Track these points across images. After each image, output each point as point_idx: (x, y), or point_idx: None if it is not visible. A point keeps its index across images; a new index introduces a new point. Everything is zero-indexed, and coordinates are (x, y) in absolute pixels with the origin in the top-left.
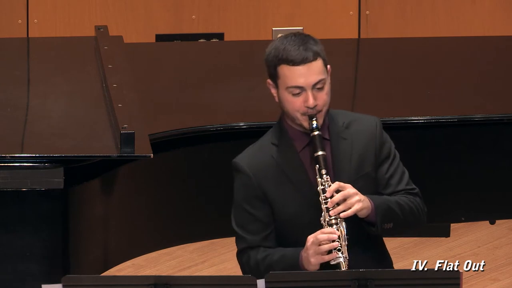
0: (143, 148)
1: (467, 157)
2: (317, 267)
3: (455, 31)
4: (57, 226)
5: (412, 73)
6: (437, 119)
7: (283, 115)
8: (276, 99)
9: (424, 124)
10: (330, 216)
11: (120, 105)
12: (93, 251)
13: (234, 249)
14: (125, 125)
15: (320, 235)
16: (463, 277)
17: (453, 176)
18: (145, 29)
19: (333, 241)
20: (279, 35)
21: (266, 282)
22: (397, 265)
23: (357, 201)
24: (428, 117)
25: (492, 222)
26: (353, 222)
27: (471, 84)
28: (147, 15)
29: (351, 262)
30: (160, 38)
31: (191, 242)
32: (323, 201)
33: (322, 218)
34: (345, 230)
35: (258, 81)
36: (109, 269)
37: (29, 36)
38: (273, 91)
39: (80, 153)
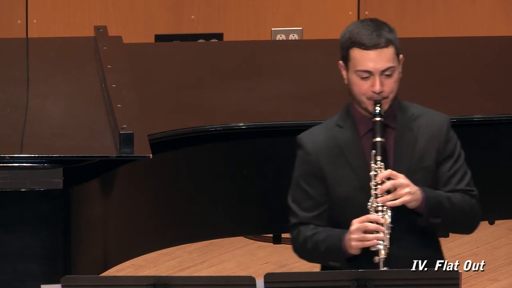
0: (142, 149)
1: (466, 157)
2: (358, 251)
3: (455, 32)
4: (57, 226)
5: (411, 73)
6: None
7: (351, 98)
8: (345, 81)
9: None
10: (377, 203)
11: (119, 105)
12: (92, 251)
13: (233, 249)
14: (124, 126)
15: (368, 224)
16: (463, 277)
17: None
18: (144, 30)
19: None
20: (279, 35)
21: (265, 282)
22: None
23: (406, 193)
24: None
25: (492, 222)
26: (402, 211)
27: (471, 85)
28: (147, 15)
29: (392, 251)
30: (159, 38)
31: (191, 243)
32: (373, 187)
33: (369, 203)
34: (390, 219)
35: (257, 81)
36: (108, 269)
37: (29, 36)
38: (343, 72)
39: (79, 153)
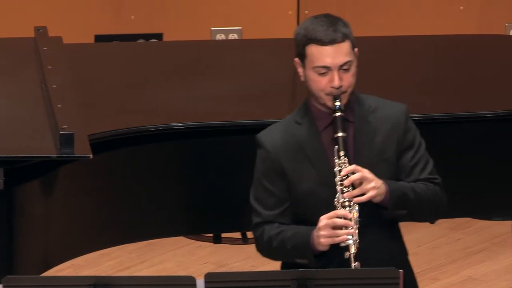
0: (82, 149)
1: None
2: (327, 247)
3: (394, 31)
4: None
5: None
6: None
7: (309, 94)
8: (302, 78)
9: None
10: (344, 198)
11: (59, 105)
12: (34, 252)
13: (172, 249)
14: (65, 126)
15: (336, 219)
16: (403, 277)
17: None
18: (84, 30)
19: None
20: (218, 35)
21: (205, 282)
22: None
23: (372, 188)
24: None
25: (432, 222)
26: (367, 205)
27: (410, 84)
28: (86, 15)
29: (362, 244)
30: (99, 38)
31: (130, 243)
32: (339, 182)
33: (336, 199)
34: (357, 213)
35: (197, 81)
36: (49, 269)
37: None
38: (300, 70)
39: (19, 154)
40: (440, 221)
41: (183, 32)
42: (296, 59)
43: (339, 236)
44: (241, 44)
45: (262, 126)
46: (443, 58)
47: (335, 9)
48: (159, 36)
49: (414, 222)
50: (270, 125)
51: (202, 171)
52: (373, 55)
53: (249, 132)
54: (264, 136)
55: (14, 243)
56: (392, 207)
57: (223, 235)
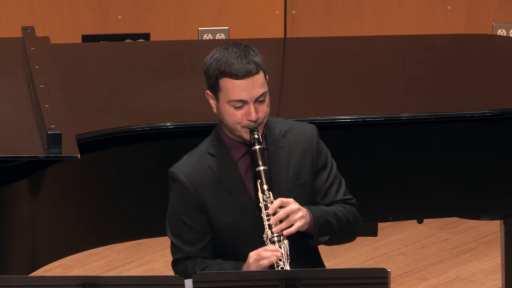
0: (70, 149)
1: (394, 156)
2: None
3: (382, 30)
4: None
5: (339, 72)
6: (363, 118)
7: (220, 124)
8: (215, 110)
9: (351, 123)
10: (272, 234)
11: (47, 105)
12: (21, 252)
13: (161, 249)
14: (52, 126)
15: (264, 253)
16: (391, 276)
17: (380, 175)
18: (71, 30)
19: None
20: (205, 35)
21: (193, 282)
22: (326, 264)
23: (299, 218)
24: (355, 116)
25: (420, 221)
26: (294, 236)
27: (398, 84)
28: (73, 15)
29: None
30: (86, 38)
31: (119, 243)
32: (266, 218)
33: (264, 235)
34: (287, 247)
35: (184, 81)
36: (37, 269)
37: None
38: (212, 102)
39: (7, 154)
40: (428, 220)
41: (171, 32)
42: (208, 91)
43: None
44: None
45: None
46: (430, 58)
47: (321, 9)
48: (146, 36)
49: (401, 222)
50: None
51: None
52: (360, 55)
53: None
54: (179, 170)
55: (2, 243)
56: (317, 234)
57: None
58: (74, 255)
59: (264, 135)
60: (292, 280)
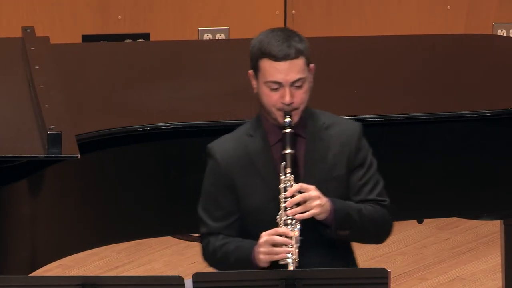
0: (70, 149)
1: (394, 156)
2: (267, 264)
3: (382, 30)
4: None
5: (338, 72)
6: (363, 118)
7: (261, 108)
8: (255, 91)
9: None
10: (287, 216)
11: (47, 105)
12: (21, 252)
13: (161, 249)
14: (52, 126)
15: (276, 237)
16: (391, 276)
17: (380, 175)
18: (71, 30)
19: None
20: (205, 35)
21: (193, 282)
22: None
23: (316, 205)
24: (354, 116)
25: (420, 221)
26: (310, 223)
27: (398, 83)
28: (73, 15)
29: (302, 263)
30: (86, 38)
31: (119, 242)
32: (283, 200)
33: (278, 216)
34: (299, 232)
35: (184, 81)
36: (37, 269)
37: None
38: (253, 82)
39: (7, 154)
40: (428, 220)
41: (171, 32)
42: (250, 72)
43: (278, 254)
44: (228, 44)
45: None
46: (430, 57)
47: (322, 9)
48: (146, 36)
49: (401, 222)
50: None
51: (189, 171)
52: (360, 55)
53: None
54: (215, 147)
55: (2, 243)
56: (335, 226)
57: None
58: (74, 255)
59: (305, 125)
60: (292, 280)
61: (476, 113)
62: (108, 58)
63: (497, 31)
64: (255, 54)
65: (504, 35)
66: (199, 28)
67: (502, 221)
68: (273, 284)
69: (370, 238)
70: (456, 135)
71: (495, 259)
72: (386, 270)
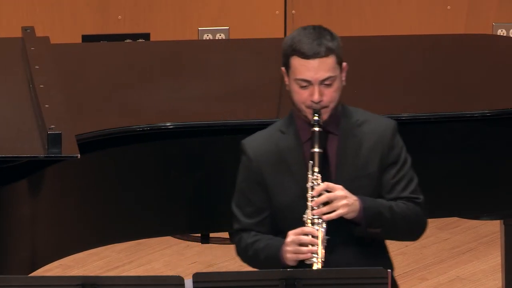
0: (70, 149)
1: None
2: (295, 263)
3: (382, 30)
4: None
5: None
6: None
7: (293, 105)
8: (287, 88)
9: None
10: (313, 215)
11: (47, 105)
12: (21, 252)
13: (161, 249)
14: (52, 126)
15: (302, 236)
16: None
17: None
18: (71, 30)
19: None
20: (205, 35)
21: (193, 282)
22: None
23: (343, 205)
24: None
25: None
26: (339, 222)
27: (398, 83)
28: (73, 15)
29: (330, 262)
30: (86, 38)
31: (119, 242)
32: (310, 198)
33: (305, 215)
34: (324, 232)
35: (184, 81)
36: (37, 269)
37: None
38: (286, 79)
39: (7, 154)
40: (428, 220)
41: (170, 32)
42: (283, 68)
43: (303, 253)
44: (228, 44)
45: (249, 126)
46: (430, 57)
47: (321, 9)
48: (146, 36)
49: None
50: (257, 125)
51: (189, 171)
52: (360, 54)
53: (236, 132)
54: (248, 143)
55: (2, 243)
56: (365, 224)
57: (211, 235)
58: (74, 255)
59: (338, 122)
60: (292, 280)
61: (476, 113)
62: (108, 58)
63: (497, 31)
64: (287, 51)
65: (504, 35)
66: (199, 28)
67: (502, 221)
68: (273, 284)
69: (403, 235)
70: (456, 135)
71: (495, 259)
72: (386, 270)
